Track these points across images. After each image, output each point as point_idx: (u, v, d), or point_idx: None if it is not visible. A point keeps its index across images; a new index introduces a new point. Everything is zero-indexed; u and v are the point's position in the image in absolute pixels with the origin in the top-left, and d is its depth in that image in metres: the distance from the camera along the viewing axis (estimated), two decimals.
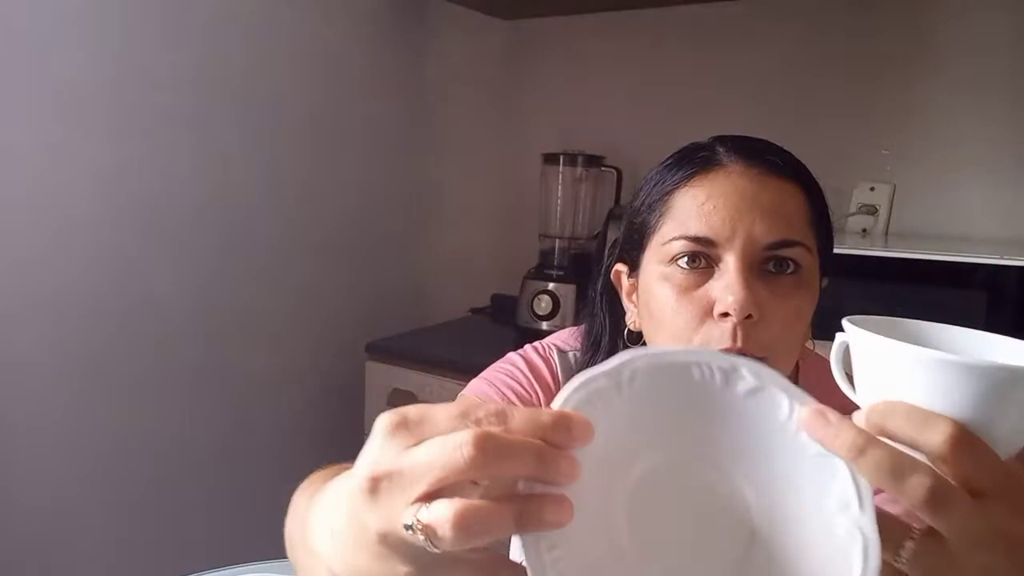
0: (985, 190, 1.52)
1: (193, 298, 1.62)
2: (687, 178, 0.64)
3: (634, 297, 0.71)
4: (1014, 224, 1.48)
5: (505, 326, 1.90)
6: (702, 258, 0.62)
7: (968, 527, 0.33)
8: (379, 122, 2.06)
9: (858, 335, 0.41)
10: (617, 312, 0.75)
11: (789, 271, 0.61)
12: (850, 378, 0.45)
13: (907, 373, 0.37)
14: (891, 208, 1.58)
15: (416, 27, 2.15)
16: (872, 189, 1.58)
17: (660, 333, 0.65)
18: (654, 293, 0.65)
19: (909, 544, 0.34)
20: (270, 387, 1.83)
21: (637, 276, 0.69)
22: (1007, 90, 1.48)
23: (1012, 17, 1.46)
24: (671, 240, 0.63)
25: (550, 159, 1.88)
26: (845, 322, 0.42)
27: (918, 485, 0.33)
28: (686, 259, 0.62)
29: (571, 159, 1.86)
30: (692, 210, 0.63)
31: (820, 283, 0.66)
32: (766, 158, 0.64)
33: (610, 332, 0.76)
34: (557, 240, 1.88)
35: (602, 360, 0.76)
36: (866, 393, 0.42)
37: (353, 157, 1.99)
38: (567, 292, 1.77)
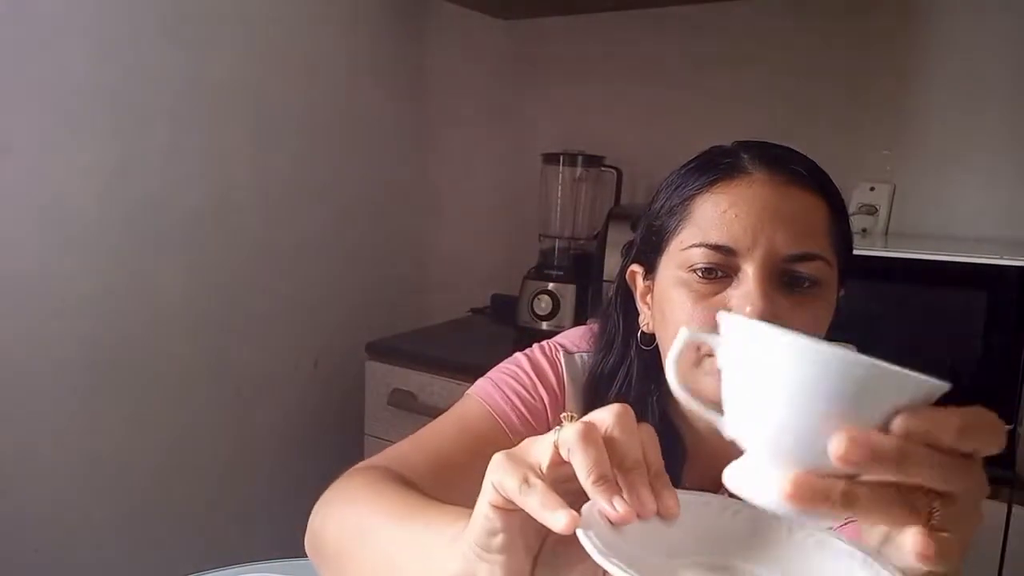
0: (985, 190, 1.52)
1: (192, 297, 1.62)
2: (710, 184, 0.64)
3: (648, 299, 0.70)
4: (1014, 224, 1.48)
5: (505, 326, 1.90)
6: (721, 266, 0.61)
7: (970, 484, 0.36)
8: (379, 122, 2.06)
9: (738, 323, 0.39)
10: (631, 313, 0.74)
11: (808, 283, 0.61)
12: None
13: (782, 363, 0.36)
14: (891, 208, 1.58)
15: (416, 27, 2.15)
16: (872, 189, 1.58)
17: (672, 338, 0.64)
18: (670, 297, 0.64)
19: (936, 507, 0.35)
20: (270, 387, 1.83)
21: (653, 279, 0.69)
22: (1007, 90, 1.48)
23: (1012, 17, 1.46)
24: (690, 247, 0.63)
25: (550, 159, 1.88)
26: (721, 314, 0.40)
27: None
28: (704, 266, 0.62)
29: (571, 159, 1.86)
30: (714, 217, 0.62)
31: (838, 293, 0.65)
32: (790, 167, 0.63)
33: (623, 333, 0.75)
34: (557, 240, 1.88)
35: (613, 361, 0.76)
36: (734, 387, 0.39)
37: (353, 157, 1.99)
38: (567, 292, 1.77)
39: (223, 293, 1.69)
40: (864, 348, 1.08)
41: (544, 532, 0.43)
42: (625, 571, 0.35)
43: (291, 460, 1.86)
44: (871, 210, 1.57)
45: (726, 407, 0.39)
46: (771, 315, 0.58)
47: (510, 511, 0.41)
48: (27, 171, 1.34)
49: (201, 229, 1.62)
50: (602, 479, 0.39)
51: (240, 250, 1.71)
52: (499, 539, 0.42)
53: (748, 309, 0.58)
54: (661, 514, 0.40)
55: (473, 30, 2.09)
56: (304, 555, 0.66)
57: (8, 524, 1.36)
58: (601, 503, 0.39)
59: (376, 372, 1.76)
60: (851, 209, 1.58)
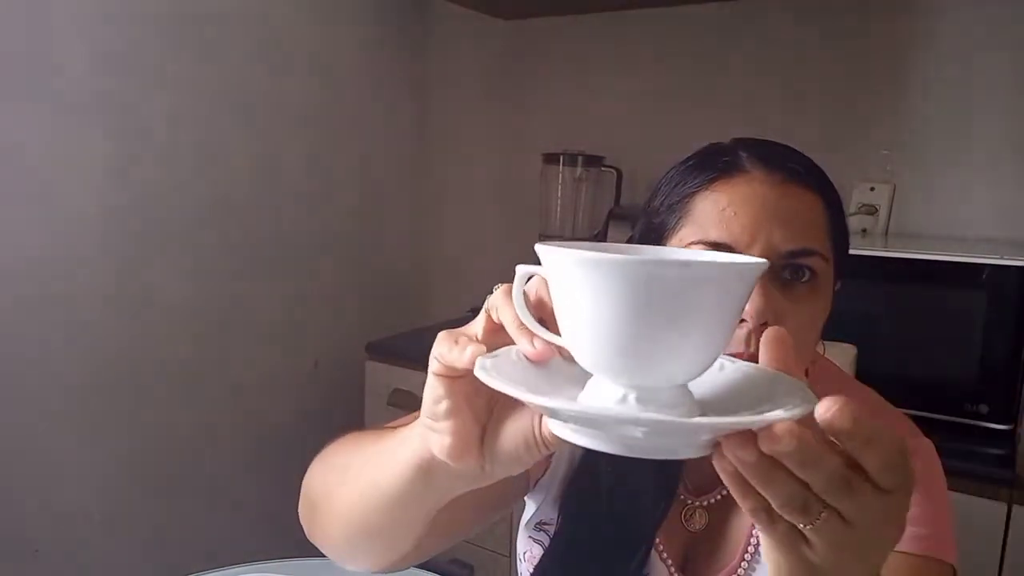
0: (985, 190, 1.52)
1: (193, 298, 1.62)
2: (708, 182, 0.64)
3: None
4: (1014, 224, 1.48)
5: None
6: None
7: (870, 511, 0.35)
8: (380, 122, 2.07)
9: (542, 251, 0.38)
10: None
11: (805, 279, 0.62)
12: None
13: (570, 277, 0.36)
14: (891, 208, 1.58)
15: (416, 27, 2.15)
16: (872, 189, 1.58)
17: None
18: None
19: (823, 515, 0.35)
20: (270, 387, 1.83)
21: None
22: (1006, 90, 1.48)
23: (1011, 17, 1.46)
24: (690, 244, 0.63)
25: (550, 159, 1.88)
26: (537, 245, 0.40)
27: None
28: None
29: (571, 159, 1.86)
30: (713, 215, 0.63)
31: (834, 288, 0.66)
32: (787, 165, 0.64)
33: None
34: (557, 240, 1.88)
35: None
36: (558, 312, 0.40)
37: (354, 157, 1.99)
38: None
39: (223, 293, 1.69)
40: (864, 347, 1.08)
41: (492, 401, 0.45)
42: (512, 388, 0.36)
43: (291, 460, 1.86)
44: (871, 210, 1.57)
45: (564, 335, 0.40)
46: (770, 311, 0.59)
47: (452, 378, 0.43)
48: (27, 171, 1.34)
49: (201, 230, 1.62)
50: (523, 324, 0.41)
51: (240, 250, 1.71)
52: (444, 405, 0.44)
53: (747, 307, 0.59)
54: None
55: (473, 30, 2.09)
56: (304, 555, 0.66)
57: (8, 524, 1.36)
58: (523, 344, 0.41)
59: (376, 372, 1.76)
60: (851, 209, 1.58)
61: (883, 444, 0.34)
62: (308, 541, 0.66)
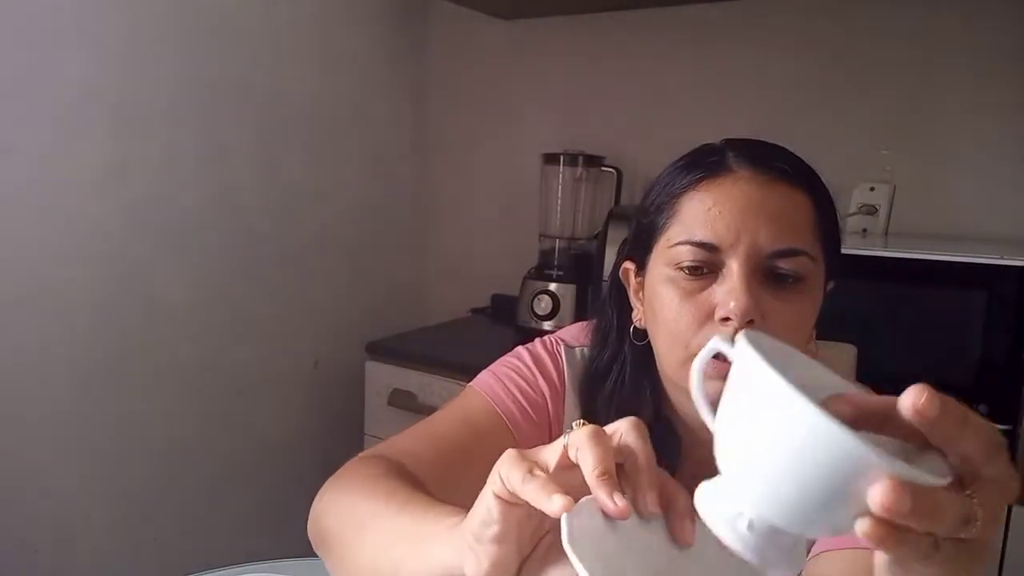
0: (985, 190, 1.52)
1: (193, 297, 1.62)
2: (696, 182, 0.65)
3: (640, 295, 0.72)
4: (1014, 224, 1.48)
5: (505, 326, 1.90)
6: (706, 263, 0.62)
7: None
8: (380, 122, 2.07)
9: (757, 364, 0.34)
10: (625, 309, 0.75)
11: (791, 279, 0.62)
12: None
13: (787, 424, 0.33)
14: (891, 208, 1.58)
15: (416, 27, 2.15)
16: (872, 189, 1.58)
17: (662, 334, 0.66)
18: (658, 294, 0.66)
19: (978, 511, 0.33)
20: (270, 387, 1.83)
21: (644, 275, 0.70)
22: (1007, 90, 1.48)
23: (1012, 16, 1.46)
24: (677, 244, 0.64)
25: (550, 159, 1.88)
26: (741, 337, 0.37)
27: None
28: (691, 263, 0.63)
29: (571, 159, 1.86)
30: (699, 215, 0.63)
31: (825, 287, 0.66)
32: (774, 165, 0.64)
33: (617, 329, 0.76)
34: (557, 240, 1.88)
35: (608, 356, 0.76)
36: (727, 417, 0.37)
37: (354, 157, 1.99)
38: (567, 292, 1.77)
39: (223, 293, 1.69)
40: (864, 347, 1.08)
41: (538, 536, 0.44)
42: (580, 563, 0.36)
43: (291, 460, 1.86)
44: (871, 210, 1.57)
45: (718, 424, 0.38)
46: (756, 311, 0.59)
47: (511, 504, 0.41)
48: (27, 171, 1.33)
49: (201, 229, 1.62)
50: (606, 474, 0.39)
51: (240, 250, 1.71)
52: (493, 530, 0.42)
53: (732, 305, 0.59)
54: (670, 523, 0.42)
55: (473, 30, 2.09)
56: (304, 555, 0.66)
57: (8, 524, 1.36)
58: (602, 496, 0.39)
59: (376, 372, 1.76)
60: (851, 209, 1.58)
61: (978, 425, 0.32)
62: (307, 541, 0.66)
